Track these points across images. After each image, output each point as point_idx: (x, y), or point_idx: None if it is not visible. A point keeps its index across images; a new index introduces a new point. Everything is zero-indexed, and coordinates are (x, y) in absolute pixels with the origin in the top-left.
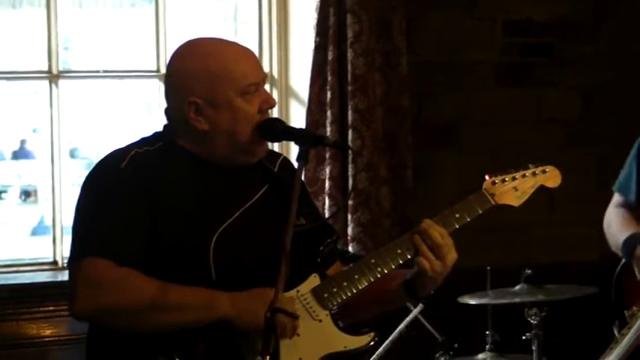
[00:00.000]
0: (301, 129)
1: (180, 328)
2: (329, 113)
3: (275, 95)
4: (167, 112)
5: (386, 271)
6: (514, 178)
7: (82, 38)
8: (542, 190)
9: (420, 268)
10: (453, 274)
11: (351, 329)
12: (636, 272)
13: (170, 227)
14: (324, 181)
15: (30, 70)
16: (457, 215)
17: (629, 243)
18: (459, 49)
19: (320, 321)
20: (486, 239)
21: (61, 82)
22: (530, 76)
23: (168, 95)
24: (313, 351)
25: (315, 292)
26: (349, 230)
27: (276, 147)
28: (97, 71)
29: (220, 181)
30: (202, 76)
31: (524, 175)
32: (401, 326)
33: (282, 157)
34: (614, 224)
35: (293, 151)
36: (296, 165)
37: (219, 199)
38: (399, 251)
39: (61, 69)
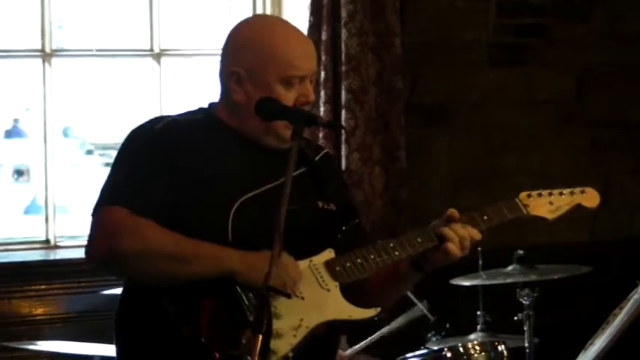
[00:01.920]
0: (295, 108)
1: (189, 278)
2: (322, 93)
3: None
4: (220, 78)
5: (403, 256)
6: (551, 194)
7: (75, 17)
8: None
9: (447, 254)
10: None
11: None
12: None
13: (194, 187)
14: None
15: (23, 49)
16: (485, 217)
17: None
18: (452, 30)
19: (328, 290)
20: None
21: (53, 60)
22: (523, 57)
23: (221, 62)
24: (315, 315)
25: (328, 264)
26: None
27: None
28: (90, 50)
29: (253, 156)
30: (251, 50)
31: (561, 193)
32: (400, 319)
33: (325, 151)
34: None
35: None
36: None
37: (249, 171)
38: (419, 240)
39: (54, 47)
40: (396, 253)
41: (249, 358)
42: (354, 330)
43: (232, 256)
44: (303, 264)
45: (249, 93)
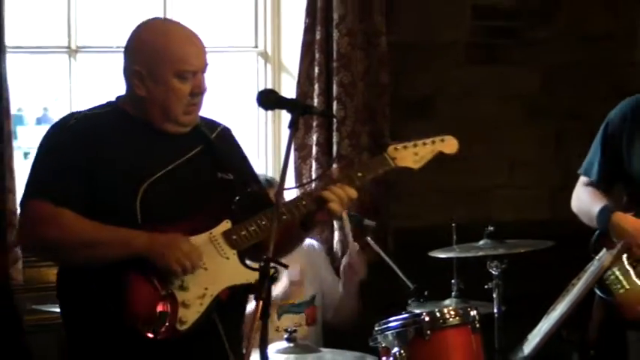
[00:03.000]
0: (292, 99)
1: (104, 261)
2: (316, 86)
3: (269, 70)
4: (124, 75)
5: (291, 219)
6: (415, 145)
7: (99, 15)
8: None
9: (331, 210)
10: (424, 231)
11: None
12: (614, 239)
13: (105, 176)
14: (311, 146)
15: (51, 46)
16: (359, 174)
17: (603, 214)
18: (432, 31)
19: (227, 259)
20: (454, 200)
21: (78, 55)
22: (496, 56)
23: (124, 59)
24: (218, 283)
25: (226, 234)
26: None
27: (269, 115)
28: (111, 47)
29: (155, 141)
30: (149, 51)
31: (424, 143)
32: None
33: (221, 127)
34: (585, 200)
35: (284, 119)
36: (286, 134)
37: (153, 155)
38: (303, 203)
39: (79, 44)
40: (284, 217)
41: (165, 327)
42: (256, 291)
43: (141, 239)
44: (204, 237)
45: (150, 88)
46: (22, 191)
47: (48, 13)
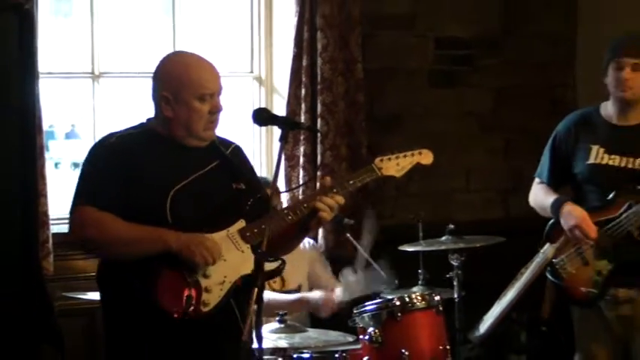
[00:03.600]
0: (282, 116)
1: (139, 256)
2: (303, 106)
3: (263, 92)
4: (153, 100)
5: (294, 220)
6: (397, 157)
7: (119, 46)
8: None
9: (321, 219)
10: (394, 229)
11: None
12: (563, 225)
13: (140, 185)
14: (299, 157)
15: (77, 71)
16: (351, 182)
17: (556, 204)
18: (401, 59)
19: (242, 252)
20: (420, 202)
21: (101, 80)
22: (454, 80)
23: (153, 87)
24: (234, 272)
25: (241, 231)
26: None
27: (263, 130)
28: (128, 72)
29: (181, 155)
30: (173, 79)
31: (405, 155)
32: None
33: (234, 145)
34: (540, 196)
35: (276, 133)
36: (277, 146)
37: (179, 167)
38: (305, 206)
39: (101, 70)
40: (289, 217)
41: (192, 309)
42: (266, 278)
43: (170, 237)
44: (223, 233)
45: (175, 109)
46: (72, 197)
47: (74, 44)
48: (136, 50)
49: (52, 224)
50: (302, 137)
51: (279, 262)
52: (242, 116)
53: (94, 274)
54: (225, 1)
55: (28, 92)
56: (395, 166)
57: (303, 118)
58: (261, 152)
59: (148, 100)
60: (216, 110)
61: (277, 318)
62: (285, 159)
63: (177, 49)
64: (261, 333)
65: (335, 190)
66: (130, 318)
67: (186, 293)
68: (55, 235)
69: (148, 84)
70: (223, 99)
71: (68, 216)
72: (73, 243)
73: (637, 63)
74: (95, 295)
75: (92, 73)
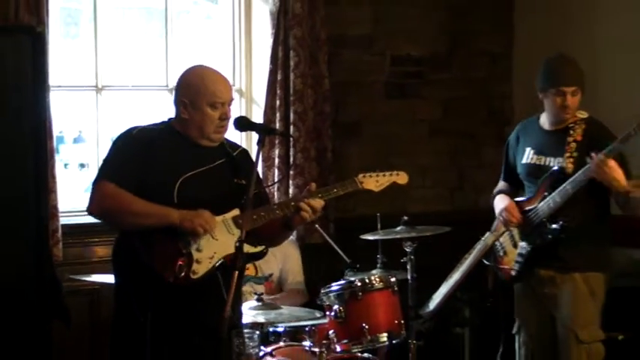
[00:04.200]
0: (260, 123)
1: (148, 227)
2: (278, 114)
3: (243, 103)
4: (174, 103)
5: (282, 214)
6: (377, 175)
7: (119, 63)
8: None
9: (302, 217)
10: (356, 220)
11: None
12: (495, 211)
13: (153, 171)
14: (274, 158)
15: (83, 85)
16: (335, 190)
17: (493, 196)
18: (361, 74)
19: (233, 235)
20: (379, 197)
21: (104, 92)
22: (408, 92)
23: (175, 92)
24: (223, 250)
25: (234, 218)
26: (290, 190)
27: (243, 135)
28: (127, 86)
29: (193, 151)
30: (191, 87)
31: (384, 175)
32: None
33: (242, 148)
34: (495, 191)
35: (254, 138)
36: (255, 149)
37: (189, 160)
38: (292, 204)
39: (104, 84)
40: (277, 212)
41: (182, 274)
42: (253, 259)
43: (174, 214)
44: (219, 218)
45: (191, 113)
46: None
47: (80, 61)
48: (133, 67)
49: (61, 216)
50: (277, 141)
51: (263, 247)
52: None
53: (97, 259)
54: (211, 24)
55: (40, 103)
56: (375, 182)
57: (277, 125)
58: None
59: (144, 109)
60: (225, 117)
61: (255, 297)
62: (262, 160)
63: (169, 67)
64: (242, 310)
65: (320, 196)
66: (133, 280)
67: (180, 262)
68: (63, 225)
69: (145, 95)
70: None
71: (91, 188)
72: (90, 215)
73: (575, 89)
74: (98, 278)
75: (96, 86)
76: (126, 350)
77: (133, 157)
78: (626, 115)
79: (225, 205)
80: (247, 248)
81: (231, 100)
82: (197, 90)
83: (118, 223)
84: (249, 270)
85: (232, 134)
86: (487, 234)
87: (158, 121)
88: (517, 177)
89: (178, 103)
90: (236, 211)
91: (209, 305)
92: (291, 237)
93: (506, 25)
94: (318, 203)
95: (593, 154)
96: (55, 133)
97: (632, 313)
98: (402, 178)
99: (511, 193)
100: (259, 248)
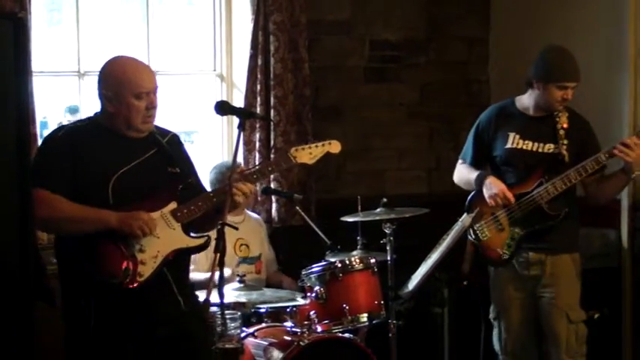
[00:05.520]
0: (240, 108)
1: (84, 232)
2: (258, 98)
3: (223, 88)
4: (98, 97)
5: (217, 202)
6: (310, 147)
7: (101, 47)
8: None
9: (234, 201)
10: (336, 202)
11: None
12: (485, 195)
13: (85, 171)
14: (255, 142)
15: (66, 70)
16: (269, 169)
17: (481, 176)
18: (341, 59)
19: (174, 229)
20: (359, 180)
21: (86, 77)
22: (386, 76)
23: (97, 86)
24: (166, 247)
25: (173, 212)
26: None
27: (224, 119)
28: None
29: (122, 145)
30: (114, 79)
31: (316, 146)
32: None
33: (172, 134)
34: (464, 173)
35: (235, 122)
36: (236, 133)
37: (120, 155)
38: (226, 189)
39: (86, 69)
40: (214, 199)
41: (128, 279)
42: (195, 252)
43: (112, 217)
44: (157, 214)
45: (116, 106)
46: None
47: (63, 47)
48: (115, 52)
49: None
50: (258, 125)
51: (205, 238)
52: (206, 108)
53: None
54: (192, 10)
55: (22, 89)
56: (308, 154)
57: (258, 110)
58: (223, 138)
59: None
60: (152, 106)
61: (237, 279)
62: (244, 144)
63: (151, 51)
64: (223, 291)
65: (255, 177)
66: (78, 286)
67: (124, 265)
68: None
69: None
70: (189, 93)
71: None
72: None
73: (576, 84)
74: None
75: (78, 71)
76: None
77: (63, 161)
78: (601, 101)
79: (162, 198)
80: (189, 242)
81: (156, 88)
82: (119, 82)
83: (56, 230)
84: (243, 251)
85: (213, 120)
86: (464, 215)
87: (84, 117)
88: (485, 161)
89: (102, 97)
90: (173, 204)
91: (160, 302)
92: (257, 215)
93: (483, 10)
94: (247, 187)
95: (626, 140)
96: (39, 118)
97: (607, 293)
98: (334, 146)
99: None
100: (201, 241)
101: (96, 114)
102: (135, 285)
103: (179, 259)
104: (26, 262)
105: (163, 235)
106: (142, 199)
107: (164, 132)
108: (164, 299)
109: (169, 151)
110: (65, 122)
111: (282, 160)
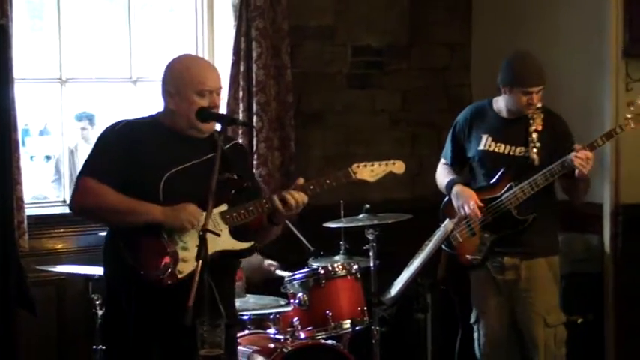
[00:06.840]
0: (222, 114)
1: (130, 225)
2: (241, 105)
3: None
4: (162, 95)
5: (268, 210)
6: (372, 165)
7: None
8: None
9: (283, 212)
10: (319, 208)
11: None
12: (454, 204)
13: (139, 166)
14: None
15: (47, 77)
16: (327, 182)
17: (449, 185)
18: (323, 65)
19: (221, 231)
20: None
21: (67, 84)
22: (368, 82)
23: (162, 82)
24: (210, 247)
25: (222, 214)
26: None
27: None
28: (91, 78)
29: (180, 144)
30: (177, 76)
31: (379, 165)
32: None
33: (235, 142)
34: (441, 176)
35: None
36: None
37: (176, 154)
38: (276, 197)
39: (68, 76)
40: (267, 207)
41: (167, 274)
42: (241, 256)
43: (157, 211)
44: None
45: (178, 103)
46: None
47: (44, 53)
48: (96, 59)
49: (27, 208)
50: (240, 132)
51: (251, 243)
52: None
53: (62, 250)
54: (174, 17)
55: (4, 95)
56: (370, 172)
57: (241, 116)
58: None
59: (108, 100)
60: (213, 106)
61: None
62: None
63: (132, 59)
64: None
65: (312, 188)
66: (120, 279)
67: (165, 261)
68: (29, 217)
69: (109, 87)
70: None
71: (74, 184)
72: (71, 211)
73: (541, 88)
74: (64, 268)
75: (60, 78)
76: (115, 341)
77: (117, 153)
78: (583, 105)
79: (216, 199)
80: (235, 244)
81: (220, 88)
82: (183, 78)
83: (100, 220)
84: None
85: None
86: (446, 221)
87: (146, 114)
88: (464, 160)
89: (165, 94)
90: (224, 207)
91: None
92: None
93: (464, 16)
94: (301, 197)
95: (577, 147)
96: (22, 125)
97: (589, 298)
98: (398, 167)
99: (464, 182)
100: (247, 244)
101: (158, 113)
102: (172, 282)
103: (224, 266)
104: (7, 270)
105: (209, 235)
106: (193, 199)
107: (229, 138)
108: (202, 303)
109: (228, 155)
110: (77, 130)
111: (342, 175)
